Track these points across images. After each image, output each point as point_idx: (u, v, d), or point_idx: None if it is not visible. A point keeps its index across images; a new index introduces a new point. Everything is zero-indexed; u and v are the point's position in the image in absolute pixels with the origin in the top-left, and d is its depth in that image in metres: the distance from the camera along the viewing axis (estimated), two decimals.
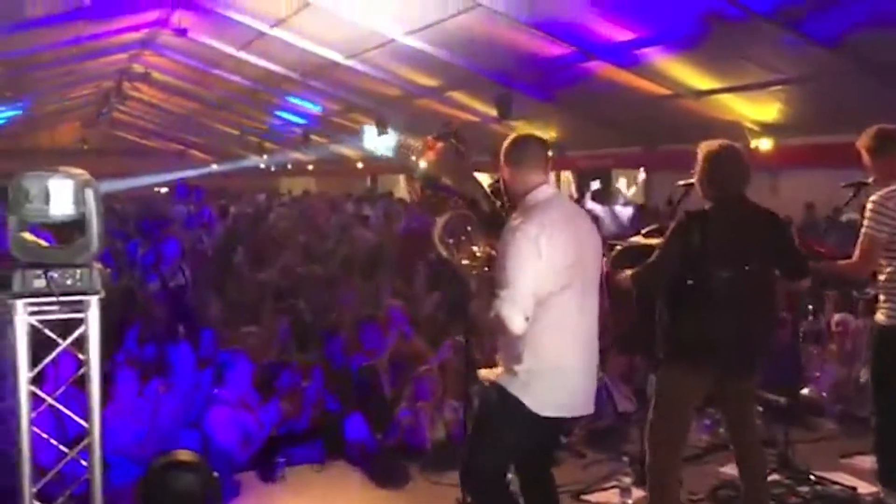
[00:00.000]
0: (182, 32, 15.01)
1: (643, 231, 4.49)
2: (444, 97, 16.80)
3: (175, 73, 21.37)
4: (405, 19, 12.44)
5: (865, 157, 4.19)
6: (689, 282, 3.61)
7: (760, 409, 4.75)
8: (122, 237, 10.88)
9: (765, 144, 12.99)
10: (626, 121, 14.85)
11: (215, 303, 7.43)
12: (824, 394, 5.85)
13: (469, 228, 3.39)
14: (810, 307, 6.22)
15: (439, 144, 3.45)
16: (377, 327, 5.84)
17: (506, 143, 3.30)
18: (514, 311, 2.92)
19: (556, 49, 11.94)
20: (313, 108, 21.66)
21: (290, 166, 33.73)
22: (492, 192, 3.48)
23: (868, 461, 4.76)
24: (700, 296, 3.61)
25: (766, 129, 12.91)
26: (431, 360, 5.42)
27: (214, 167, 33.88)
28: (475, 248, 3.35)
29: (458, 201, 3.39)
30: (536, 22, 11.06)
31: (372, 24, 12.84)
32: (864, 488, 4.51)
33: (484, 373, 3.25)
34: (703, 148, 3.80)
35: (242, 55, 16.92)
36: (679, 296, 3.66)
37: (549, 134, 17.83)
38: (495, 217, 3.34)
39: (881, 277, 4.01)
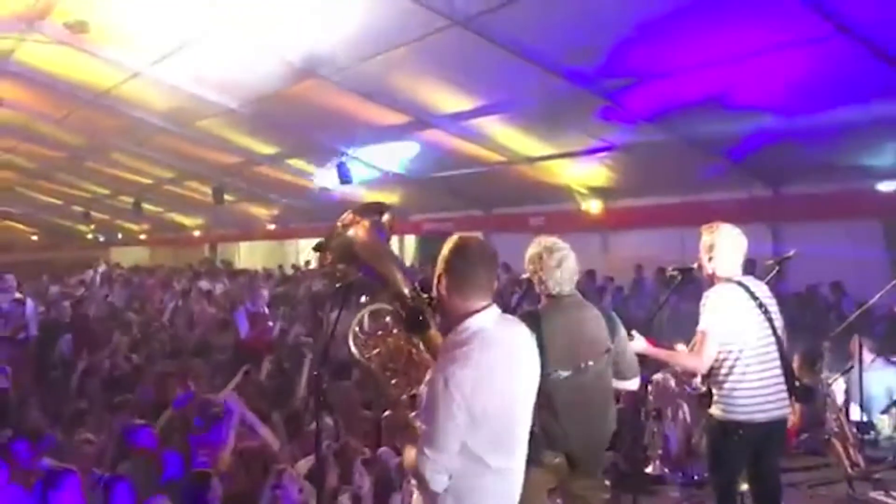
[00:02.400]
0: None
1: None
2: (284, 164, 16.60)
3: None
4: (240, 89, 12.23)
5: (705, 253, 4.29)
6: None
7: (608, 483, 4.84)
8: None
9: (594, 206, 13.69)
10: (464, 186, 15.22)
11: (35, 403, 6.74)
12: (667, 470, 6.13)
13: (388, 320, 3.00)
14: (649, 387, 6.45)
15: (366, 222, 3.03)
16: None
17: (448, 247, 2.79)
18: (434, 473, 2.59)
19: (393, 118, 12.11)
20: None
21: (120, 236, 32.08)
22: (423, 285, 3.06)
23: None
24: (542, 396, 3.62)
25: (595, 192, 13.62)
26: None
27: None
28: (391, 341, 2.96)
29: (376, 290, 3.05)
30: (373, 93, 11.19)
31: (205, 93, 12.53)
32: None
33: None
34: (531, 247, 3.94)
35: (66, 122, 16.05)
36: None
37: (392, 199, 18.01)
38: (418, 315, 2.86)
39: (717, 372, 4.15)
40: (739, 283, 4.18)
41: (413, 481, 2.86)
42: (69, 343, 9.25)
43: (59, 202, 27.77)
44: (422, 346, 2.92)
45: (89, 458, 4.99)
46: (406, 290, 2.92)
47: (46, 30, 10.76)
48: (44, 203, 28.35)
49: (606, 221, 13.63)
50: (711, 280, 4.27)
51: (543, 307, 3.84)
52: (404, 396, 2.91)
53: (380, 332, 3.00)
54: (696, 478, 6.03)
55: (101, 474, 4.62)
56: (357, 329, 2.99)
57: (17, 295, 10.57)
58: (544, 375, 3.45)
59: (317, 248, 3.08)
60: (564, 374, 3.69)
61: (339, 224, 3.02)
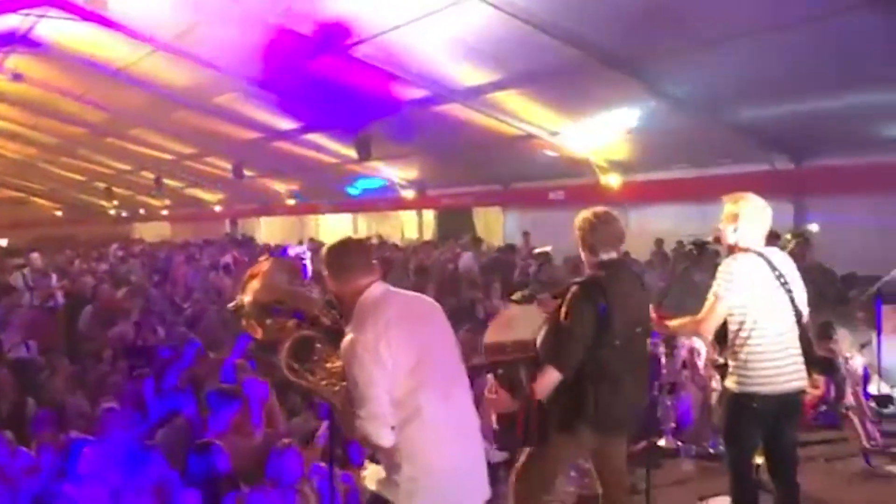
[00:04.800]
0: (17, 77, 14.15)
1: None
2: (303, 140, 16.63)
3: (9, 118, 20.15)
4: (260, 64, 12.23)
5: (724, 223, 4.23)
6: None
7: None
8: None
9: (614, 181, 13.61)
10: (482, 160, 15.17)
11: (62, 371, 6.84)
12: (679, 443, 6.15)
13: (318, 346, 3.22)
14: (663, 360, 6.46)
15: (264, 266, 3.30)
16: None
17: (324, 254, 3.18)
18: (377, 428, 2.84)
19: (412, 91, 12.08)
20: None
21: (142, 212, 32.36)
22: (329, 301, 3.31)
23: (723, 501, 4.94)
24: (597, 364, 3.72)
25: (614, 166, 13.53)
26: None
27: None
28: (329, 365, 3.16)
29: (299, 322, 3.21)
30: (392, 66, 11.16)
31: (226, 69, 12.56)
32: None
33: (367, 479, 3.09)
34: (581, 214, 4.00)
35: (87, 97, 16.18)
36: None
37: (410, 174, 18.04)
38: (338, 328, 3.15)
39: (733, 344, 4.10)
40: (760, 255, 4.10)
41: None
42: (90, 315, 9.39)
43: (81, 178, 28.02)
44: None
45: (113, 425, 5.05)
46: (319, 312, 3.23)
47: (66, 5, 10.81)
48: (66, 179, 28.65)
49: (626, 195, 13.51)
50: (732, 251, 4.20)
51: (601, 275, 3.86)
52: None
53: (315, 359, 3.20)
54: (711, 451, 6.03)
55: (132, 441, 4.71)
56: (288, 365, 3.15)
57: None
58: (604, 344, 3.71)
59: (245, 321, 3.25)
60: (618, 342, 3.74)
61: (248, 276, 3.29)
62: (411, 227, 20.36)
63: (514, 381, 3.84)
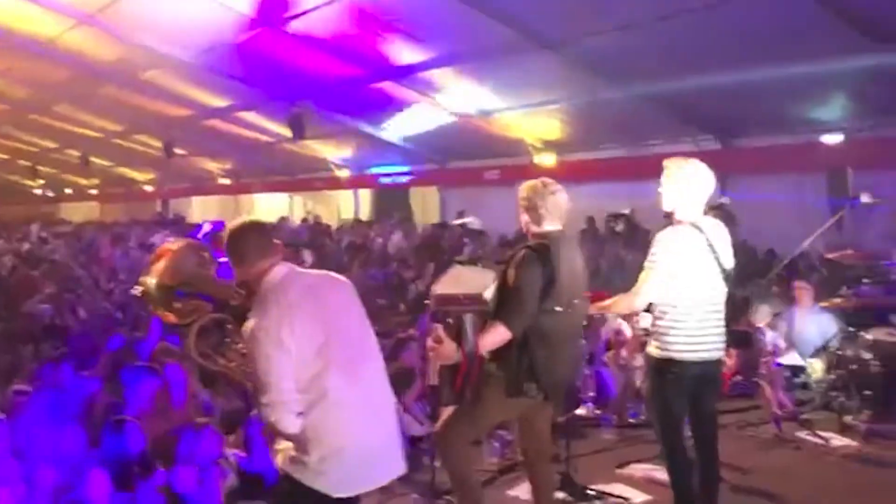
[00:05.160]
0: None
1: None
2: (235, 117, 16.35)
3: None
4: (191, 40, 11.96)
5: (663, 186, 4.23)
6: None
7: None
8: None
9: (548, 160, 13.77)
10: (418, 139, 15.16)
11: None
12: (599, 412, 6.30)
13: (230, 327, 3.12)
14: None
15: (172, 247, 3.23)
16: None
17: (224, 241, 3.07)
18: (280, 414, 2.79)
19: (346, 69, 11.98)
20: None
21: (69, 191, 31.40)
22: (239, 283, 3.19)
23: (641, 469, 5.26)
24: (540, 328, 3.77)
25: (549, 145, 13.69)
26: None
27: None
28: (241, 346, 3.05)
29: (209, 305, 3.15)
30: (327, 44, 11.05)
31: (154, 44, 12.23)
32: (638, 497, 4.86)
33: (279, 456, 2.96)
34: (526, 184, 4.00)
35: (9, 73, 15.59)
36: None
37: (346, 152, 17.90)
38: (243, 311, 3.03)
39: (659, 311, 4.14)
40: (694, 225, 4.09)
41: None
42: (4, 295, 9.13)
43: (4, 156, 27.06)
44: None
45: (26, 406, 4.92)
46: (228, 295, 3.15)
47: None
48: None
49: (559, 174, 13.62)
50: (669, 218, 4.20)
51: (547, 242, 3.86)
52: None
53: (227, 341, 3.15)
54: (631, 420, 6.18)
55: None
56: (197, 349, 3.13)
57: None
58: (547, 309, 3.75)
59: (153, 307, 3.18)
60: (559, 308, 3.79)
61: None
62: (348, 207, 20.22)
63: (461, 333, 3.86)
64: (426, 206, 18.36)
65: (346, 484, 2.90)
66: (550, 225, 3.93)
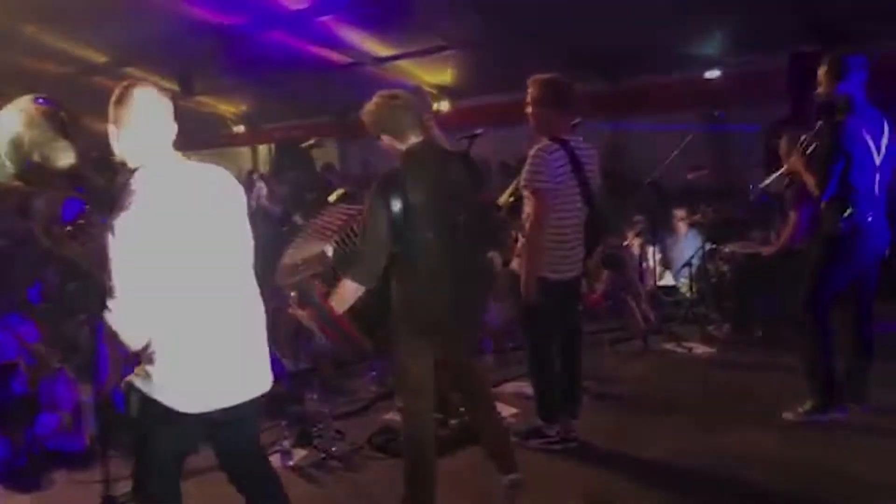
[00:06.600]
0: None
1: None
2: (120, 73, 15.65)
3: None
4: None
5: (530, 108, 4.38)
6: (395, 250, 3.33)
7: None
8: None
9: (444, 106, 13.78)
10: (312, 91, 14.90)
11: None
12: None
13: (88, 207, 2.86)
14: None
15: (33, 107, 2.84)
16: None
17: (113, 97, 2.66)
18: (126, 325, 2.56)
19: (229, 18, 11.61)
20: None
21: None
22: (102, 158, 2.93)
23: (511, 386, 5.50)
24: (406, 262, 3.35)
25: (444, 91, 13.67)
26: None
27: None
28: (95, 230, 2.78)
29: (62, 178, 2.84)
30: None
31: None
32: (506, 411, 4.98)
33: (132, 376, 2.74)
34: (370, 103, 3.57)
35: None
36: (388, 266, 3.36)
37: (240, 108, 17.45)
38: (113, 192, 2.69)
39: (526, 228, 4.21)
40: (564, 143, 4.20)
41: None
42: None
43: None
44: None
45: None
46: (90, 171, 2.93)
47: None
48: None
49: (455, 121, 13.72)
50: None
51: (401, 167, 3.41)
52: None
53: (82, 223, 2.91)
54: (510, 346, 6.25)
55: None
56: (46, 221, 2.95)
57: None
58: (413, 240, 3.30)
59: None
60: (431, 234, 3.34)
61: None
62: (247, 162, 19.82)
63: (307, 297, 3.49)
64: (328, 159, 18.15)
65: (194, 401, 2.67)
66: (409, 138, 3.45)
